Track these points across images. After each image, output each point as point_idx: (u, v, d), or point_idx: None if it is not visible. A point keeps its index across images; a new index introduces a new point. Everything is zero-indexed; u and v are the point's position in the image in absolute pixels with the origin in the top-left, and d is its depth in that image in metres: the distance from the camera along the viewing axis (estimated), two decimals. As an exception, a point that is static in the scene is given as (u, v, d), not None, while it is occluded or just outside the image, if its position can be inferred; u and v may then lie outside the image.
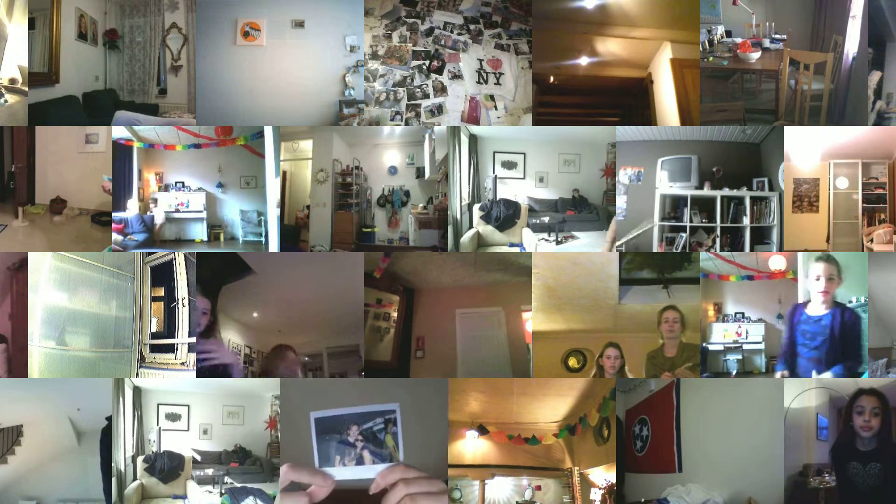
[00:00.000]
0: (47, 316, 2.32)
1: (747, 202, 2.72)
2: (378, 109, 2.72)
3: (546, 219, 2.89)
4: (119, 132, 2.50)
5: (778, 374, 2.24)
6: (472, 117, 2.61)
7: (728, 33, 2.56)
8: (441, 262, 2.56)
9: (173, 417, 2.51)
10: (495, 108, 2.62)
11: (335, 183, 2.91)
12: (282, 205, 2.54)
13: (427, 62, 2.60)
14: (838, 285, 2.21)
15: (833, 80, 2.57)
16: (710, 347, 2.60)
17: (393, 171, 2.91)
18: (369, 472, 1.12)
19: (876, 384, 2.28)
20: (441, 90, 2.60)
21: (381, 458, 1.18)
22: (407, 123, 2.55)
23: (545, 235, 2.77)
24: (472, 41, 2.63)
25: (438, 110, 2.60)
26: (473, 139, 2.87)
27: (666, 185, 2.75)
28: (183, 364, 2.40)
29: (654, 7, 2.65)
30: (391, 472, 1.10)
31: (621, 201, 2.72)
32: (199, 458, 2.47)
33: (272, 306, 2.52)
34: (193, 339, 2.35)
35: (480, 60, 2.62)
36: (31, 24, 2.59)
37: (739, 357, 2.65)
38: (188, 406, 2.53)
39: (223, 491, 2.31)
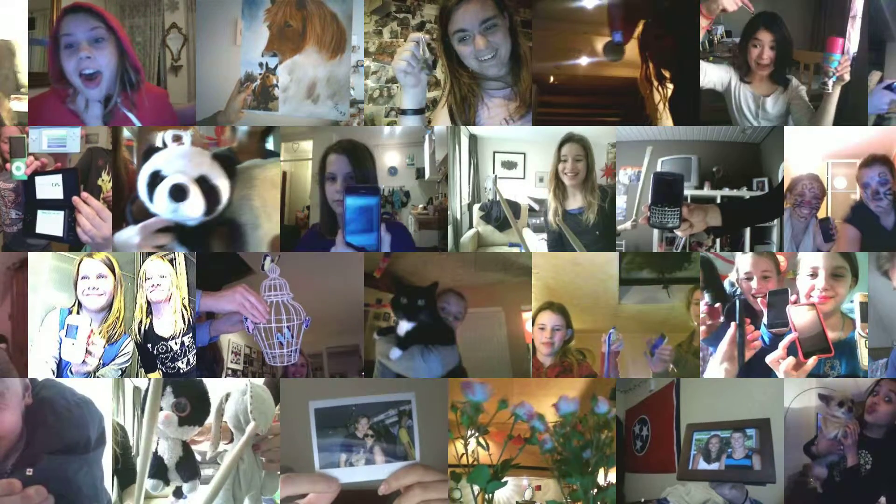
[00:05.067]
0: (47, 316, 2.32)
1: (747, 202, 2.73)
2: (372, 107, 2.72)
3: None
4: (119, 132, 2.49)
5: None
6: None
7: (728, 33, 2.57)
8: (441, 262, 2.56)
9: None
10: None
11: (335, 183, 2.90)
12: (282, 205, 2.54)
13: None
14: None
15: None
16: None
17: (393, 171, 2.91)
18: (382, 472, 0.94)
19: (875, 384, 2.29)
20: (435, 84, 2.59)
21: (394, 456, 1.00)
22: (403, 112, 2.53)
23: (545, 235, 2.76)
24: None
25: (433, 104, 2.60)
26: (473, 139, 2.87)
27: (666, 184, 2.75)
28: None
29: (654, 7, 2.65)
30: (407, 472, 0.93)
31: (621, 201, 2.72)
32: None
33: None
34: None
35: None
36: (31, 24, 2.59)
37: (739, 357, 2.66)
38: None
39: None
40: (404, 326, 2.31)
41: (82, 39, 2.35)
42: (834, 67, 2.41)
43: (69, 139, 2.39)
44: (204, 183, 2.20)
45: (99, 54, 2.38)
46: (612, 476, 2.33)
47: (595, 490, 2.22)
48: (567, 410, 2.23)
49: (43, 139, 2.37)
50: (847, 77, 2.44)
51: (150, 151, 2.25)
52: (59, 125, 2.43)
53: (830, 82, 2.41)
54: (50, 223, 2.32)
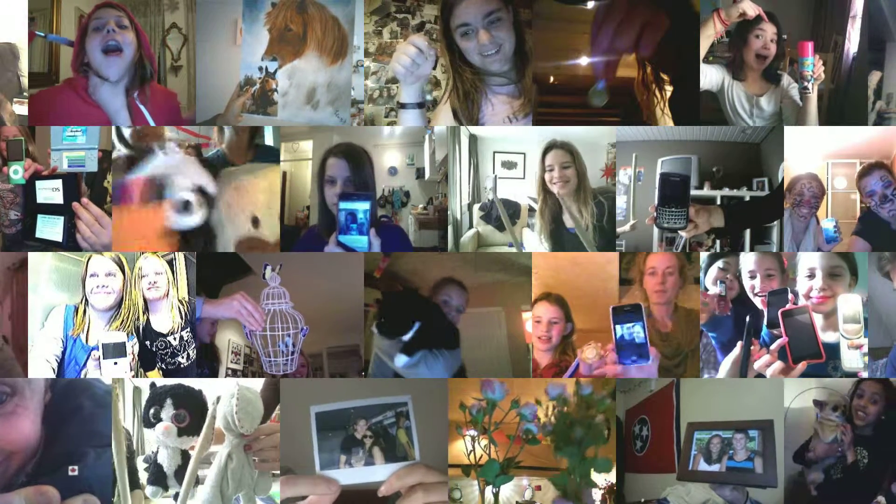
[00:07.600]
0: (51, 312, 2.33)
1: (747, 202, 2.72)
2: (372, 107, 2.72)
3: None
4: (119, 132, 2.50)
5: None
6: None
7: (728, 33, 2.56)
8: (441, 262, 2.56)
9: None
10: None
11: (336, 183, 2.90)
12: (282, 205, 2.54)
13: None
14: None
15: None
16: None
17: (393, 171, 2.91)
18: (381, 473, 0.94)
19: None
20: (435, 84, 2.59)
21: (393, 456, 1.00)
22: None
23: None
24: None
25: (433, 105, 2.59)
26: (473, 139, 2.87)
27: (666, 184, 2.75)
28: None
29: (654, 7, 2.65)
30: (409, 473, 0.92)
31: (621, 201, 2.72)
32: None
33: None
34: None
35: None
36: (32, 24, 2.59)
37: (739, 356, 2.65)
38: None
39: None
40: (401, 360, 2.25)
41: (110, 19, 2.44)
42: (810, 70, 2.44)
43: (87, 159, 2.40)
44: (201, 192, 2.30)
45: (123, 34, 2.45)
46: (612, 476, 2.33)
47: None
48: (555, 394, 2.23)
49: (63, 160, 2.39)
50: (822, 76, 2.47)
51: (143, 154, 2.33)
52: (73, 118, 2.44)
53: (810, 85, 2.44)
54: (50, 228, 2.33)
